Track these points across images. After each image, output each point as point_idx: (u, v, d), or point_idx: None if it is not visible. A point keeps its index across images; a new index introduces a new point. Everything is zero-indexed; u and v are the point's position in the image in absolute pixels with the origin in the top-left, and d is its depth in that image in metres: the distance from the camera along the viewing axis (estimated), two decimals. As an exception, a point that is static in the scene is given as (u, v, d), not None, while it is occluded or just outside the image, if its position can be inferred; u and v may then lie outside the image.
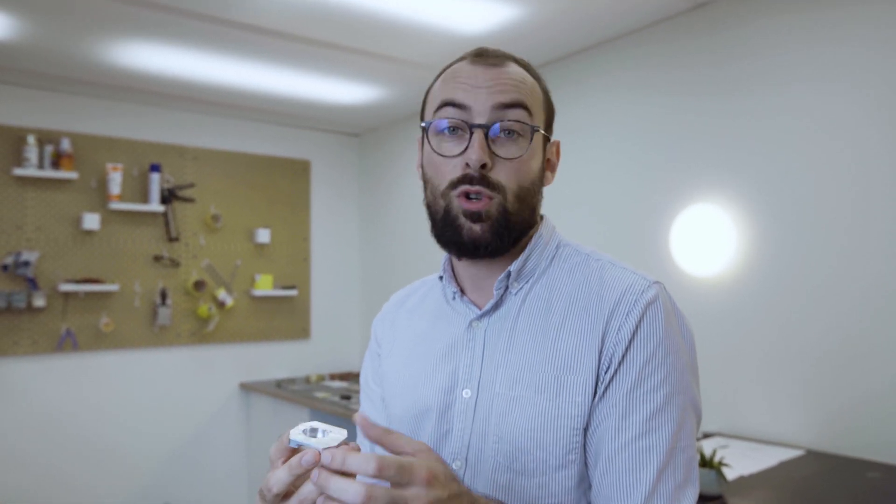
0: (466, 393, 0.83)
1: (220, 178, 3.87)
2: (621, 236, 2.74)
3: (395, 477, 0.60)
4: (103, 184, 3.46)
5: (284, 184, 4.12)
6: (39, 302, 3.21)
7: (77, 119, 3.44)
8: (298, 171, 4.18)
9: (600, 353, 0.77)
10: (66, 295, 3.33)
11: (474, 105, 0.79)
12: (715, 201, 2.43)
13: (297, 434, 0.66)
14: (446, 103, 0.81)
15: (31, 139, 3.24)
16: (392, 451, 0.65)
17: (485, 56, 0.83)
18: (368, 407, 1.01)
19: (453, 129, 0.80)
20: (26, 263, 3.18)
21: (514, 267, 0.83)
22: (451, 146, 0.81)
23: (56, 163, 3.32)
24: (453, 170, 0.80)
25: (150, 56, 2.95)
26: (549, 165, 0.88)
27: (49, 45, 2.82)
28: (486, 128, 0.78)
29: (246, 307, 3.91)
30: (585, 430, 0.77)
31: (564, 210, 2.97)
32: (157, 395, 3.61)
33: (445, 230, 0.82)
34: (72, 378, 3.36)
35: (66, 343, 3.32)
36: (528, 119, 0.80)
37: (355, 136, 4.44)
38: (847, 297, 2.06)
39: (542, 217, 0.90)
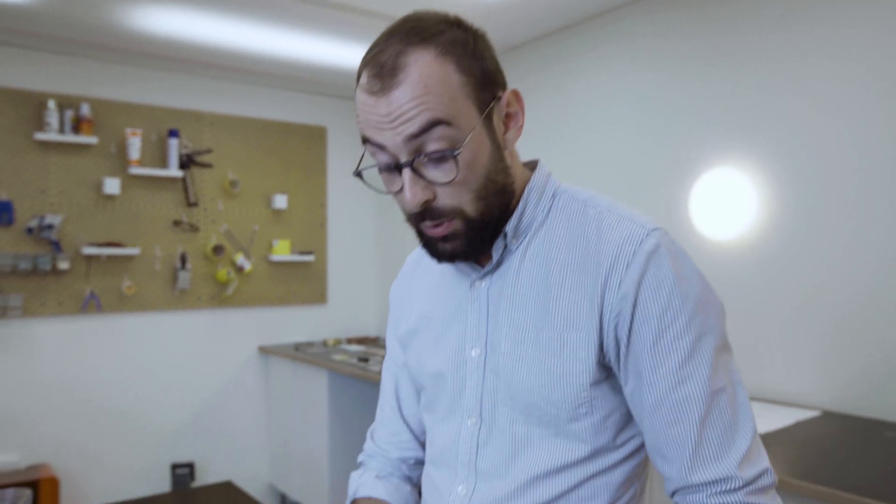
0: (475, 352, 0.85)
1: (238, 144, 3.89)
2: (640, 201, 2.74)
3: None
4: (123, 149, 3.49)
5: (301, 150, 4.13)
6: (64, 265, 3.27)
7: (96, 84, 3.46)
8: (314, 138, 4.19)
9: (601, 309, 0.76)
10: (89, 258, 3.39)
11: (388, 144, 0.73)
12: (734, 164, 2.42)
13: None
14: (365, 140, 0.76)
15: (52, 104, 3.26)
16: None
17: (377, 78, 0.72)
18: (394, 368, 1.03)
19: (386, 168, 0.76)
20: (50, 227, 3.23)
21: (509, 226, 0.82)
22: (391, 184, 0.78)
23: (76, 128, 3.35)
24: (406, 204, 0.76)
25: (168, 21, 2.95)
26: (508, 122, 0.80)
27: (68, 9, 2.82)
28: (409, 164, 0.73)
29: (264, 272, 3.96)
30: (594, 384, 0.77)
31: (583, 174, 2.97)
32: (179, 357, 3.68)
33: (425, 247, 0.82)
34: (96, 339, 3.44)
35: (91, 305, 3.39)
36: (448, 131, 0.72)
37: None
38: (866, 260, 2.06)
39: (535, 165, 0.87)
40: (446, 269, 0.92)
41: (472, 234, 0.78)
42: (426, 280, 0.96)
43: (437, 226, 0.77)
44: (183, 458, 3.64)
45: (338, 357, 3.43)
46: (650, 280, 0.75)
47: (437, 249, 0.80)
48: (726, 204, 2.44)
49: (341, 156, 4.30)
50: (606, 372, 0.79)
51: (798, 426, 1.96)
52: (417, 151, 0.73)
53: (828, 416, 2.06)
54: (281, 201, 3.96)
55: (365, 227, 4.42)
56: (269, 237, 3.98)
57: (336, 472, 3.37)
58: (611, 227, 0.79)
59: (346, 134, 4.32)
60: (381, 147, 0.74)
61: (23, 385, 3.24)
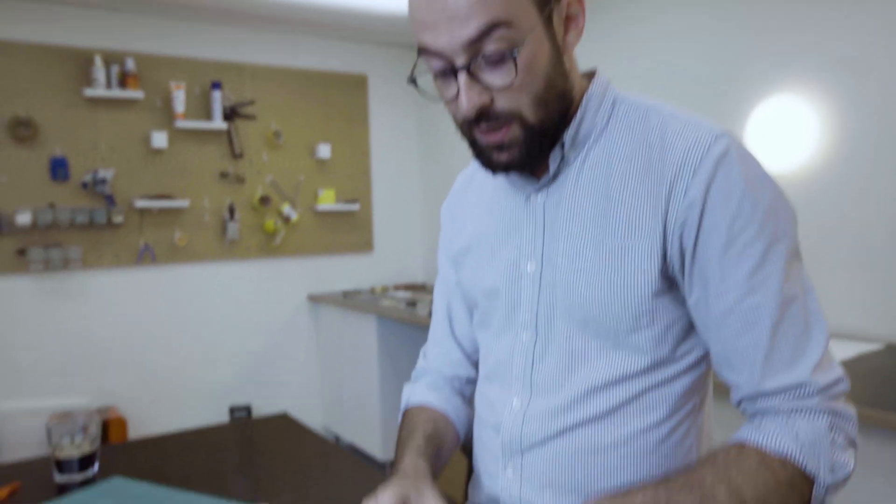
0: (531, 266, 0.83)
1: (279, 94, 3.89)
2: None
3: None
4: (168, 102, 3.53)
5: (342, 99, 4.11)
6: (118, 218, 3.36)
7: (139, 38, 3.48)
8: (356, 86, 4.16)
9: (665, 218, 0.73)
10: (142, 211, 3.47)
11: (444, 47, 0.69)
12: (795, 91, 2.30)
13: None
14: (421, 48, 0.72)
15: (98, 60, 3.31)
16: None
17: None
18: (445, 289, 1.02)
19: (441, 73, 0.73)
20: (103, 181, 3.32)
21: (567, 136, 0.79)
22: (446, 90, 0.75)
23: (122, 82, 3.39)
24: (461, 109, 0.73)
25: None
26: (568, 25, 0.76)
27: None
28: (465, 67, 0.70)
29: (310, 221, 4.00)
30: (656, 295, 0.75)
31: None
32: (232, 306, 3.78)
33: (478, 157, 0.79)
34: (152, 289, 3.55)
35: (145, 256, 3.49)
36: (507, 32, 0.68)
37: (412, 49, 4.36)
38: (936, 186, 1.96)
39: (593, 73, 0.84)
40: (500, 184, 0.90)
41: (530, 141, 0.75)
42: (479, 197, 0.94)
43: (493, 131, 0.74)
44: (240, 401, 3.77)
45: (386, 303, 3.46)
46: (719, 186, 0.72)
47: (491, 159, 0.77)
48: (786, 133, 2.33)
49: (383, 103, 4.27)
50: (669, 283, 0.76)
51: (861, 359, 1.90)
52: (474, 54, 0.70)
53: (891, 349, 1.99)
54: (324, 151, 3.97)
55: (409, 174, 4.40)
56: (314, 187, 4.01)
57: (387, 415, 3.44)
58: (675, 134, 0.75)
59: (387, 82, 4.27)
60: (435, 51, 0.71)
61: (87, 333, 3.38)
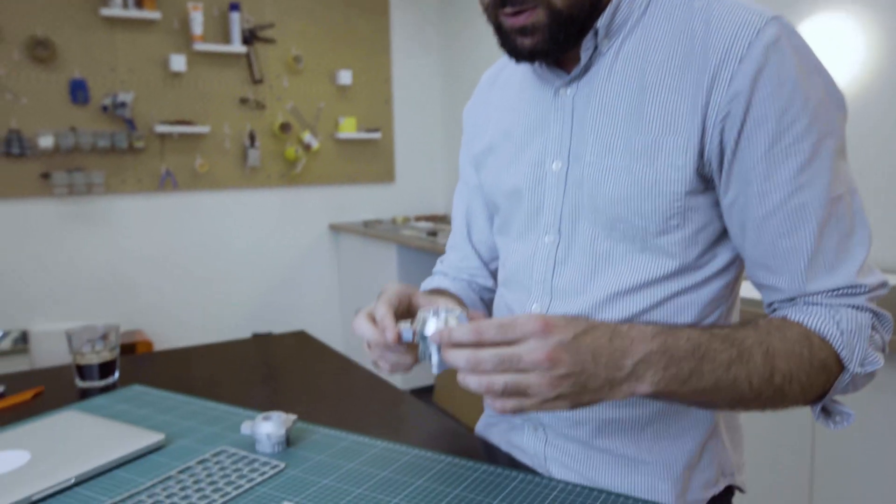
0: (557, 165, 0.79)
1: (299, 18, 3.78)
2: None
3: (500, 336, 0.57)
4: (185, 24, 3.44)
5: (363, 23, 3.99)
6: (139, 143, 3.34)
7: (155, -44, 3.38)
8: (377, 10, 4.02)
9: (706, 110, 0.68)
10: (162, 136, 3.45)
11: None
12: (840, 8, 2.17)
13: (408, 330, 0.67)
14: None
15: (114, -22, 3.22)
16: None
17: None
18: (466, 193, 0.99)
19: None
20: (123, 104, 3.28)
21: (601, 23, 0.73)
22: None
23: (139, 2, 3.31)
24: None
25: None
26: None
27: None
28: None
29: (331, 150, 3.95)
30: (690, 194, 0.71)
31: None
32: (253, 234, 3.80)
33: (503, 44, 0.75)
34: (174, 216, 3.56)
35: (167, 183, 3.48)
36: None
37: (435, -30, 4.20)
38: None
39: None
40: (527, 79, 0.85)
41: (556, 26, 0.70)
42: (503, 96, 0.90)
43: (517, 14, 0.70)
44: (263, 328, 3.83)
45: (407, 233, 3.44)
46: (769, 76, 0.65)
47: (515, 45, 0.72)
48: (830, 52, 2.21)
49: (405, 30, 4.13)
50: (704, 182, 0.71)
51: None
52: None
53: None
54: (345, 77, 3.88)
55: (431, 102, 4.31)
56: (335, 114, 3.94)
57: (407, 343, 3.47)
58: (721, 18, 0.68)
59: (409, 4, 4.13)
60: None
61: (111, 258, 3.42)
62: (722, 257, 0.76)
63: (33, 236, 3.24)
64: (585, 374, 0.57)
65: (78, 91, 3.23)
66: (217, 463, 0.81)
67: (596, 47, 0.75)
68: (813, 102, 0.66)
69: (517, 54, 0.74)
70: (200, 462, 0.81)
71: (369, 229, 3.65)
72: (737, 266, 0.77)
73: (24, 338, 3.23)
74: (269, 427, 0.85)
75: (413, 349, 0.72)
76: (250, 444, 0.87)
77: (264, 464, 0.81)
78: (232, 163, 3.66)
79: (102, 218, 3.39)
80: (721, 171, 0.70)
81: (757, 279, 0.73)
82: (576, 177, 0.77)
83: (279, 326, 3.88)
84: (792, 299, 0.71)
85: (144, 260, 3.50)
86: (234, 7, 3.53)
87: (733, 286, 0.78)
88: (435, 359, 0.63)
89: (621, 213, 0.74)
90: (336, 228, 3.97)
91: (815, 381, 0.66)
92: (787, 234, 0.68)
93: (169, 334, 3.56)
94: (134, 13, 3.27)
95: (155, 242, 3.53)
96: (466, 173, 0.98)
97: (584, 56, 0.75)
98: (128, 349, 3.23)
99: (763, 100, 0.66)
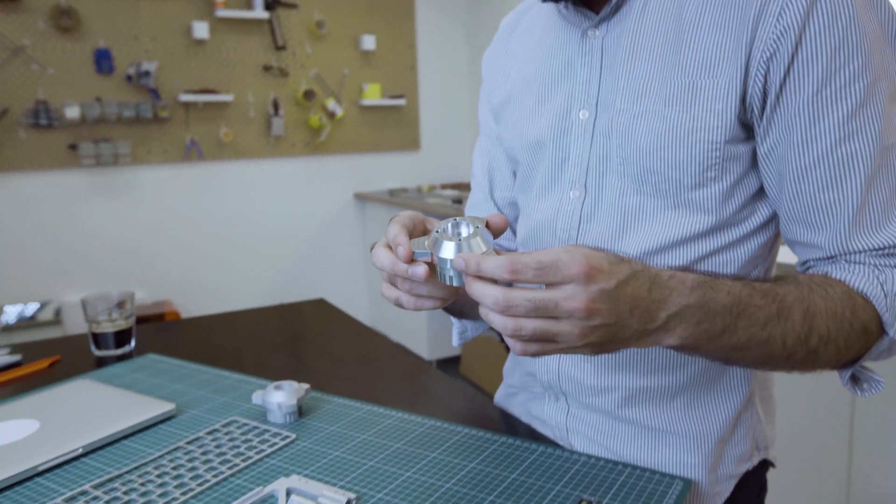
0: (583, 114, 0.73)
1: (322, -19, 3.71)
2: None
3: (539, 277, 0.49)
4: (208, -10, 3.40)
5: (387, -14, 3.90)
6: (164, 113, 3.33)
7: (175, -80, 3.33)
8: (401, -28, 3.93)
9: (750, 48, 0.61)
10: (187, 105, 3.43)
11: None
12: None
13: (421, 246, 0.58)
14: None
15: (134, -56, 3.18)
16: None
17: None
18: (488, 145, 0.93)
19: None
20: (147, 73, 3.27)
21: None
22: None
23: (160, -31, 3.27)
24: None
25: None
26: None
27: None
28: None
29: (356, 117, 3.90)
30: (730, 143, 0.65)
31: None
32: (279, 203, 3.79)
33: None
34: (200, 185, 3.56)
35: (192, 153, 3.48)
36: None
37: (460, -71, 4.07)
38: None
39: None
40: (550, 23, 0.78)
41: None
42: (525, 42, 0.83)
43: None
44: (288, 298, 3.84)
45: (432, 201, 3.40)
46: (823, 8, 0.59)
47: None
48: None
49: (430, -9, 4.04)
50: (746, 130, 0.65)
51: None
52: None
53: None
54: (369, 42, 3.81)
55: (457, 68, 4.21)
56: (359, 81, 3.88)
57: (434, 315, 3.45)
58: None
59: (433, -34, 4.02)
60: None
61: (140, 228, 3.45)
62: (761, 212, 0.70)
63: (63, 207, 3.27)
64: (618, 325, 0.52)
65: (102, 61, 3.22)
66: (227, 434, 0.79)
67: None
68: (869, 39, 0.60)
69: None
70: (210, 432, 0.79)
71: (394, 198, 3.62)
72: (776, 223, 0.71)
73: (57, 309, 3.28)
74: (280, 397, 0.82)
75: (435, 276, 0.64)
76: (262, 414, 0.84)
77: (275, 434, 0.78)
78: (256, 132, 3.64)
79: (129, 188, 3.40)
80: (762, 115, 0.64)
81: (793, 236, 0.67)
82: (604, 126, 0.71)
83: (304, 296, 3.89)
84: (831, 258, 0.65)
85: (171, 230, 3.52)
86: (256, -28, 3.47)
87: (772, 244, 0.73)
88: (456, 281, 0.56)
89: (653, 164, 0.68)
90: (361, 197, 3.94)
91: (852, 344, 0.61)
92: (831, 186, 0.62)
93: (195, 304, 3.60)
94: (155, -20, 3.24)
95: (181, 213, 3.54)
96: (487, 125, 0.92)
97: None
98: (157, 319, 3.26)
99: (815, 35, 0.59)
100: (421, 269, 0.56)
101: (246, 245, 3.72)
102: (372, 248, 0.61)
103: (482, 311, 0.52)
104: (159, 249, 3.50)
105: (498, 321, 0.51)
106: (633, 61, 0.69)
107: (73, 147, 3.21)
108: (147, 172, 3.43)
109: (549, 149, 0.77)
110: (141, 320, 3.32)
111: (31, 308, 3.18)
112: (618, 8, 0.70)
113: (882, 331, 0.62)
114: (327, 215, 3.95)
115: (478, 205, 0.94)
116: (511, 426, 0.83)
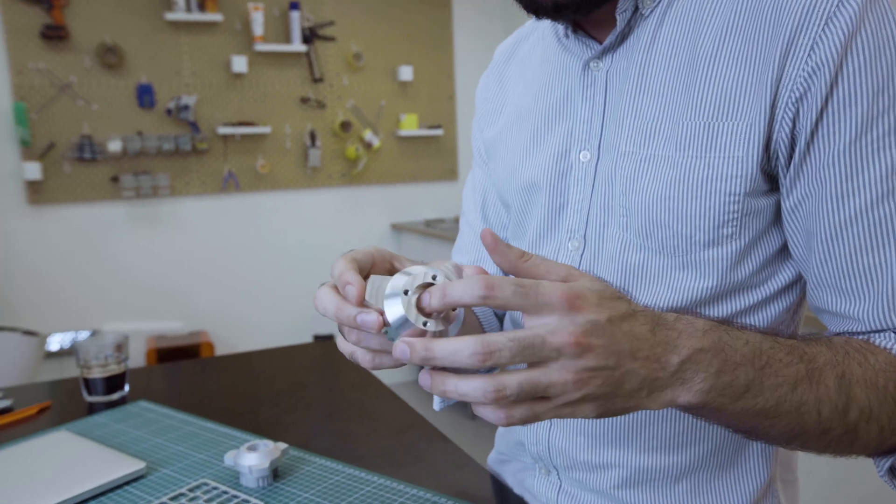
0: (584, 156, 0.65)
1: (359, 14, 3.73)
2: None
3: (515, 300, 0.39)
4: (247, 25, 3.46)
5: (424, 19, 3.90)
6: (203, 145, 3.38)
7: (216, -41, 3.41)
8: (438, 3, 3.93)
9: (776, 86, 0.53)
10: (225, 138, 3.48)
11: None
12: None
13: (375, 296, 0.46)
14: None
15: (177, -17, 3.27)
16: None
17: None
18: (482, 180, 0.85)
19: None
20: (186, 107, 3.33)
21: None
22: None
23: (202, 5, 3.35)
24: None
25: None
26: None
27: None
28: None
29: (392, 148, 3.89)
30: (751, 195, 0.56)
31: None
32: (315, 234, 3.78)
33: None
34: (237, 217, 3.59)
35: (230, 184, 3.51)
36: None
37: (498, -41, 4.06)
38: None
39: None
40: (549, 53, 0.71)
41: None
42: (522, 73, 0.76)
43: None
44: (324, 330, 3.82)
45: (467, 231, 3.33)
46: (864, 42, 0.51)
47: None
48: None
49: (468, 22, 4.02)
50: (769, 181, 0.57)
51: None
52: None
53: None
54: (406, 73, 3.81)
55: (495, 98, 4.17)
56: (396, 112, 3.88)
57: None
58: None
59: (471, -4, 4.01)
60: None
61: (177, 259, 3.49)
62: (784, 274, 0.61)
63: (103, 238, 3.34)
64: (621, 370, 0.41)
65: (144, 96, 3.30)
66: (192, 499, 0.73)
67: (637, 8, 0.61)
68: None
69: (536, 9, 0.60)
70: (175, 497, 0.74)
71: (431, 228, 3.57)
72: (801, 286, 0.62)
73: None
74: (252, 459, 0.76)
75: None
76: (234, 476, 0.78)
77: (243, 502, 0.72)
78: (293, 163, 3.66)
79: (168, 220, 3.45)
80: (790, 165, 0.55)
81: (823, 304, 0.57)
82: (606, 170, 0.63)
83: (335, 331, 3.86)
84: (868, 333, 0.55)
85: (208, 261, 3.55)
86: (294, 6, 3.52)
87: (796, 310, 0.63)
88: (402, 350, 0.41)
89: (660, 217, 0.59)
90: (398, 228, 3.91)
91: (894, 417, 0.51)
92: (872, 248, 0.53)
93: (231, 336, 3.60)
94: (197, 16, 3.31)
95: (218, 244, 3.57)
96: (481, 157, 0.84)
97: (622, 19, 0.61)
98: (192, 350, 3.28)
99: (854, 74, 0.51)
100: (372, 318, 0.44)
101: (282, 277, 3.72)
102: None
103: (448, 386, 0.41)
104: (196, 280, 3.53)
105: (473, 386, 0.39)
106: (640, 98, 0.61)
107: (114, 179, 3.28)
108: (185, 204, 3.48)
109: (544, 192, 0.69)
110: (177, 351, 3.35)
111: (82, 336, 3.24)
112: (624, 37, 0.62)
113: None
114: (364, 246, 3.91)
115: (467, 247, 0.86)
116: (503, 497, 0.75)
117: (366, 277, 0.48)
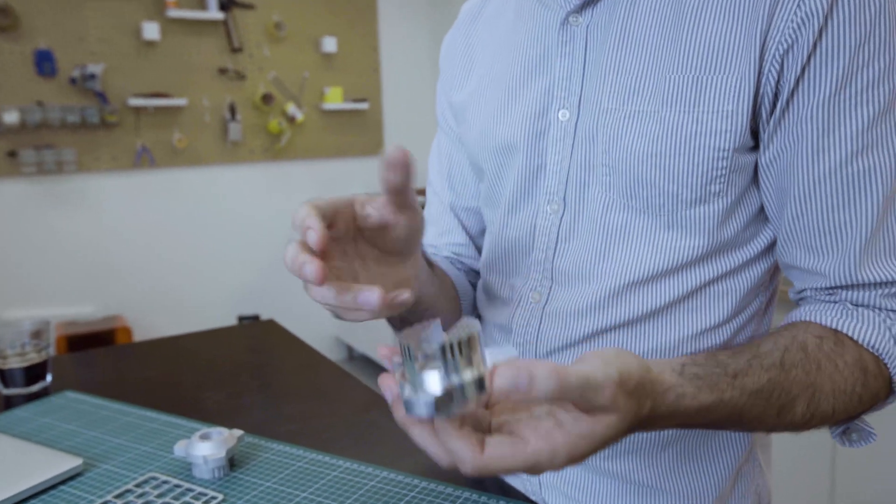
0: (563, 114, 0.63)
1: (280, -19, 3.57)
2: None
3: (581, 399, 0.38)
4: (158, -11, 3.24)
5: (348, -14, 3.78)
6: (112, 118, 3.16)
7: (122, -84, 3.16)
8: (362, -28, 3.81)
9: (764, 38, 0.52)
10: (137, 110, 3.26)
11: None
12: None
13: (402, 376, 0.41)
14: None
15: (78, -60, 3.01)
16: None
17: None
18: (447, 146, 0.81)
19: None
20: (93, 76, 3.09)
21: None
22: None
23: (107, -34, 3.10)
24: None
25: None
26: None
27: None
28: None
29: (317, 122, 3.77)
30: (739, 150, 0.55)
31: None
32: (238, 211, 3.63)
33: None
34: (153, 194, 3.39)
35: (144, 159, 3.31)
36: None
37: (422, -72, 3.97)
38: None
39: None
40: (523, 8, 0.68)
41: None
42: (492, 31, 0.72)
43: None
44: (250, 310, 3.68)
45: (397, 207, 3.28)
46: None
47: None
48: None
49: (392, -8, 3.92)
50: (754, 137, 0.56)
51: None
52: None
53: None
54: (330, 44, 3.68)
55: (422, 71, 4.11)
56: (320, 84, 3.75)
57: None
58: None
59: (396, -34, 3.92)
60: None
61: (88, 240, 3.26)
62: (766, 233, 0.60)
63: (2, 219, 3.07)
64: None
65: (44, 62, 3.03)
66: (141, 495, 0.66)
67: None
68: None
69: None
70: (120, 495, 0.67)
71: (358, 205, 3.49)
72: None
73: None
74: (206, 448, 0.70)
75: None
76: (186, 468, 0.72)
77: (199, 496, 0.66)
78: (212, 137, 3.48)
79: (76, 198, 3.22)
80: (770, 120, 0.54)
81: (791, 260, 0.58)
82: (588, 128, 0.61)
83: (267, 309, 3.74)
84: (833, 289, 0.55)
85: (122, 242, 3.34)
86: (210, -29, 3.32)
87: (775, 270, 0.63)
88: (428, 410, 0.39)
89: (646, 175, 0.57)
90: (324, 204, 3.80)
91: (854, 412, 0.53)
92: (843, 204, 0.53)
93: (150, 319, 3.42)
94: (101, -22, 3.07)
95: (133, 223, 3.36)
96: (446, 122, 0.80)
97: None
98: (107, 337, 3.09)
99: (839, 26, 0.50)
100: (374, 296, 0.44)
101: (204, 256, 3.55)
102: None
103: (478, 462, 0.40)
104: (110, 261, 3.32)
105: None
106: (623, 53, 0.59)
107: (12, 154, 3.01)
108: (94, 180, 3.25)
109: (521, 154, 0.66)
110: (90, 337, 3.14)
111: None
112: None
113: (890, 390, 0.54)
114: (289, 224, 3.79)
115: (436, 217, 0.82)
116: (478, 478, 0.72)
117: (330, 226, 0.46)
